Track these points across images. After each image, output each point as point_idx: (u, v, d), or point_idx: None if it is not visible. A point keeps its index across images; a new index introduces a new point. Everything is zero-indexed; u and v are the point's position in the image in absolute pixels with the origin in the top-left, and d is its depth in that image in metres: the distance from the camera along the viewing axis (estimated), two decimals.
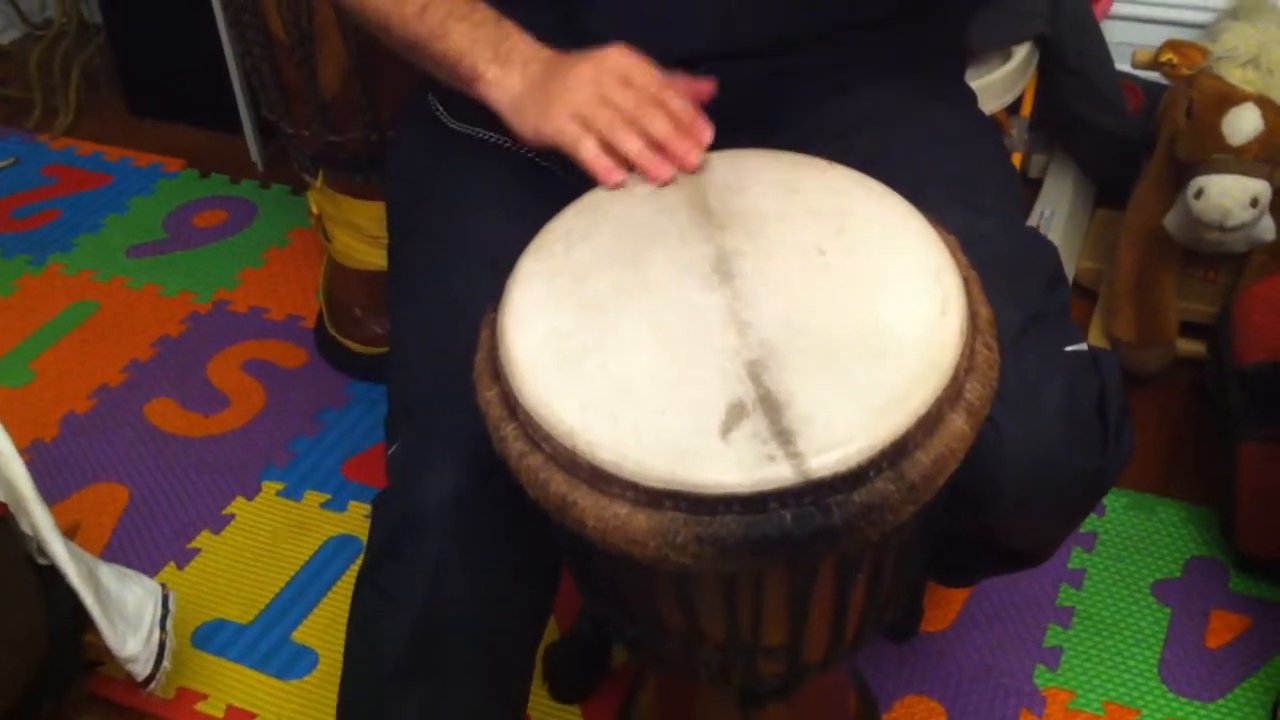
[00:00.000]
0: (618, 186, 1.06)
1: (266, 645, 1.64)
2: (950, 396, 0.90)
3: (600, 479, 0.88)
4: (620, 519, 0.87)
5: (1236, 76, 1.74)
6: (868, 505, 0.86)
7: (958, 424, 0.90)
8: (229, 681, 1.60)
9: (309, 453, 1.89)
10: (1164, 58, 1.79)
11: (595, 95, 1.07)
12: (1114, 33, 2.07)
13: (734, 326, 0.94)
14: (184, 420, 1.96)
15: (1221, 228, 1.74)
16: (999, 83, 1.89)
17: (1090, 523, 1.67)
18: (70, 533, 1.43)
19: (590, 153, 1.07)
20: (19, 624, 1.35)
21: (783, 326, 0.94)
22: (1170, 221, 1.80)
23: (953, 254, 0.99)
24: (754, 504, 0.85)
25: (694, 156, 1.06)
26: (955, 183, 1.14)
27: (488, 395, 0.95)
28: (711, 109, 1.09)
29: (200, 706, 1.57)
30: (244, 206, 2.40)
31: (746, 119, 1.14)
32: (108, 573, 1.46)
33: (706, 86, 1.11)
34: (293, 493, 1.84)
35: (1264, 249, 1.80)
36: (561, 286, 0.99)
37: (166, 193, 2.44)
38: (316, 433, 1.93)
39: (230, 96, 2.40)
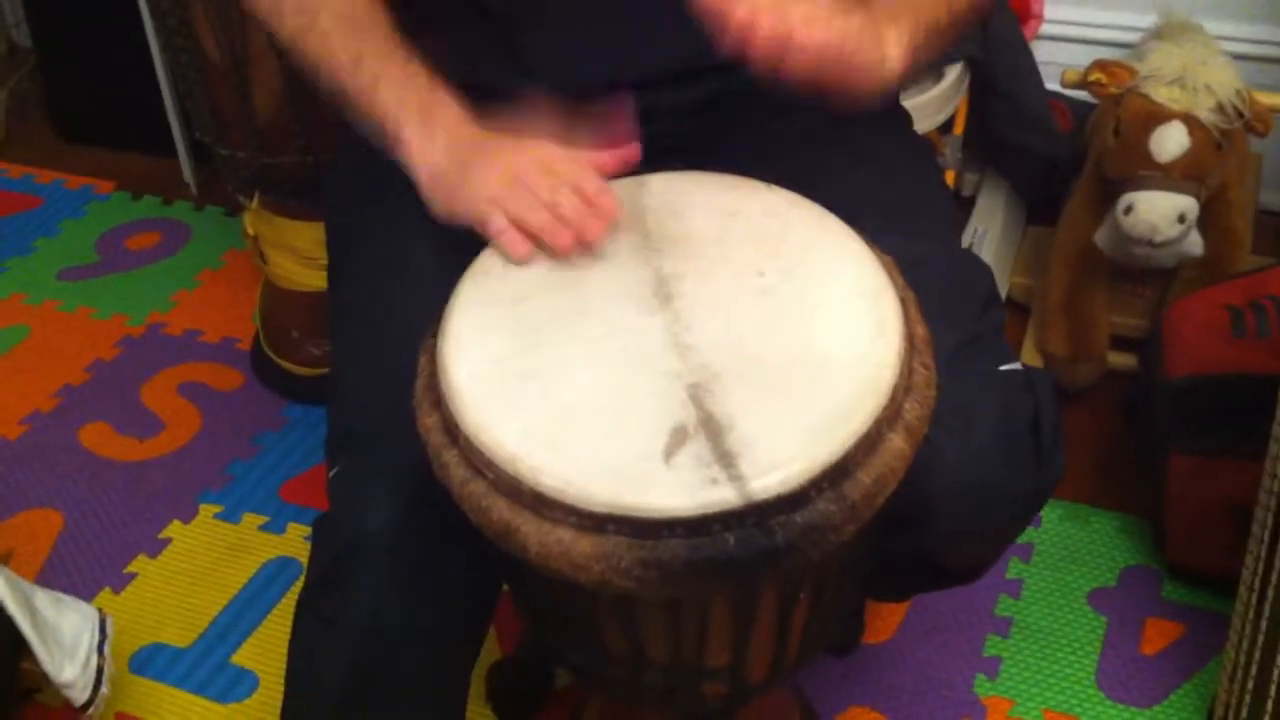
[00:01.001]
0: (522, 260, 1.03)
1: (206, 669, 1.62)
2: (889, 416, 0.91)
3: (543, 505, 0.88)
4: (564, 544, 0.87)
5: (1163, 95, 1.77)
6: (810, 525, 0.87)
7: (897, 443, 0.91)
8: (168, 706, 1.59)
9: (246, 475, 1.88)
10: (1092, 77, 1.82)
11: (512, 178, 1.05)
12: (1043, 52, 2.09)
13: (675, 349, 0.94)
14: (118, 445, 1.94)
15: (1150, 243, 1.77)
16: (932, 102, 1.91)
17: (1027, 534, 1.68)
18: (4, 559, 1.42)
19: (498, 225, 1.04)
20: None
21: (723, 349, 0.94)
22: (1100, 238, 1.83)
23: (890, 274, 1.00)
24: (697, 527, 0.85)
25: (593, 234, 1.03)
26: (890, 207, 1.15)
27: (428, 422, 0.95)
28: (649, 132, 1.09)
29: None
30: (178, 229, 2.37)
31: (684, 143, 1.15)
32: (44, 599, 1.44)
33: (633, 152, 1.08)
34: (230, 515, 1.82)
35: (1192, 264, 1.83)
36: (500, 312, 0.99)
37: (98, 215, 2.41)
38: (254, 455, 1.91)
39: (163, 118, 2.38)
